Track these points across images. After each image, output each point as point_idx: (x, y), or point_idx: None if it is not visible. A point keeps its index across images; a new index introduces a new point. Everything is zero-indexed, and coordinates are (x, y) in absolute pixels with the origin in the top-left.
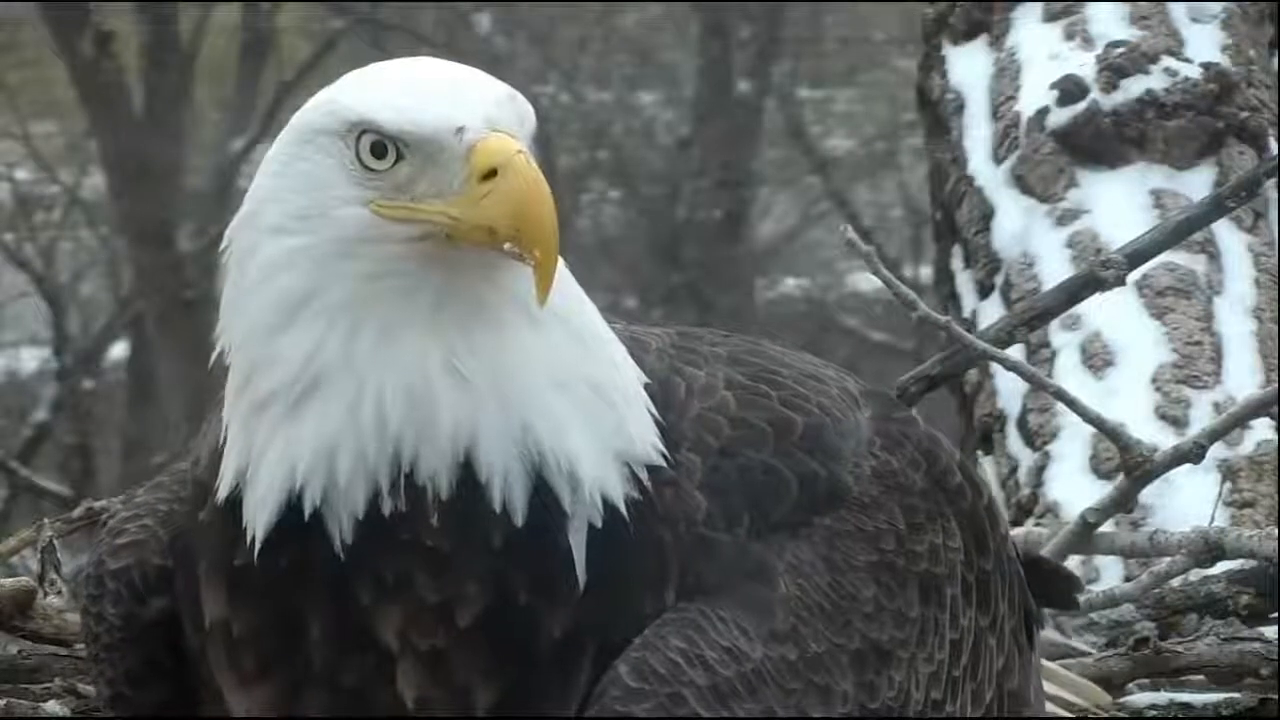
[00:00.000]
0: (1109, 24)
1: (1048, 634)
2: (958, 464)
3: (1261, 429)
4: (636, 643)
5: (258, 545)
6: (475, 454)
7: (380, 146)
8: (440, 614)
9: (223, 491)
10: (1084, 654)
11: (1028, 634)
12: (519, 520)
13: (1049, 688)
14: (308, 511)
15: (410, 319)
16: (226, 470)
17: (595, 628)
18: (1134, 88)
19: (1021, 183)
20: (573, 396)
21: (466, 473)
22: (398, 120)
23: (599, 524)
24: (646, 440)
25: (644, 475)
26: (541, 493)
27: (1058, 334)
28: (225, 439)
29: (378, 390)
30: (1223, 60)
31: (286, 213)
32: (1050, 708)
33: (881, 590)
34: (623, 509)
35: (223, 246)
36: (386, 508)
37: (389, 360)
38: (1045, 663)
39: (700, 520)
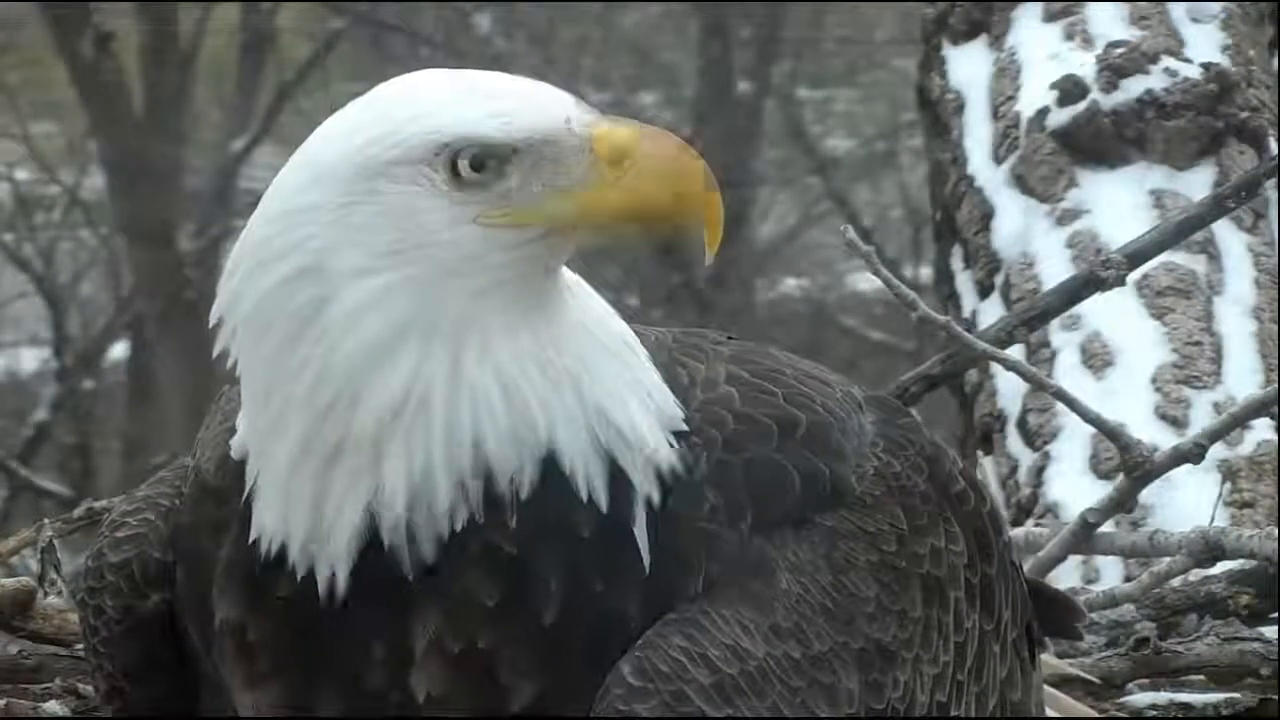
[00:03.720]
0: (1109, 24)
1: (1050, 659)
2: (960, 471)
3: (1261, 429)
4: (639, 642)
5: (333, 590)
6: (558, 446)
7: (479, 160)
8: (497, 615)
9: (269, 541)
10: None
11: (1030, 649)
12: (604, 507)
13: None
14: (388, 543)
15: (509, 323)
16: (270, 516)
17: (652, 614)
18: (1134, 88)
19: (1021, 183)
20: (627, 378)
21: (549, 467)
22: (507, 129)
23: (656, 503)
24: (679, 423)
25: (685, 456)
26: (617, 477)
27: (1058, 334)
28: (258, 481)
29: (480, 400)
30: (1223, 60)
31: (370, 253)
32: None
33: (884, 590)
34: (667, 491)
35: (245, 314)
36: (464, 519)
37: (491, 368)
38: (1048, 688)
39: (705, 514)
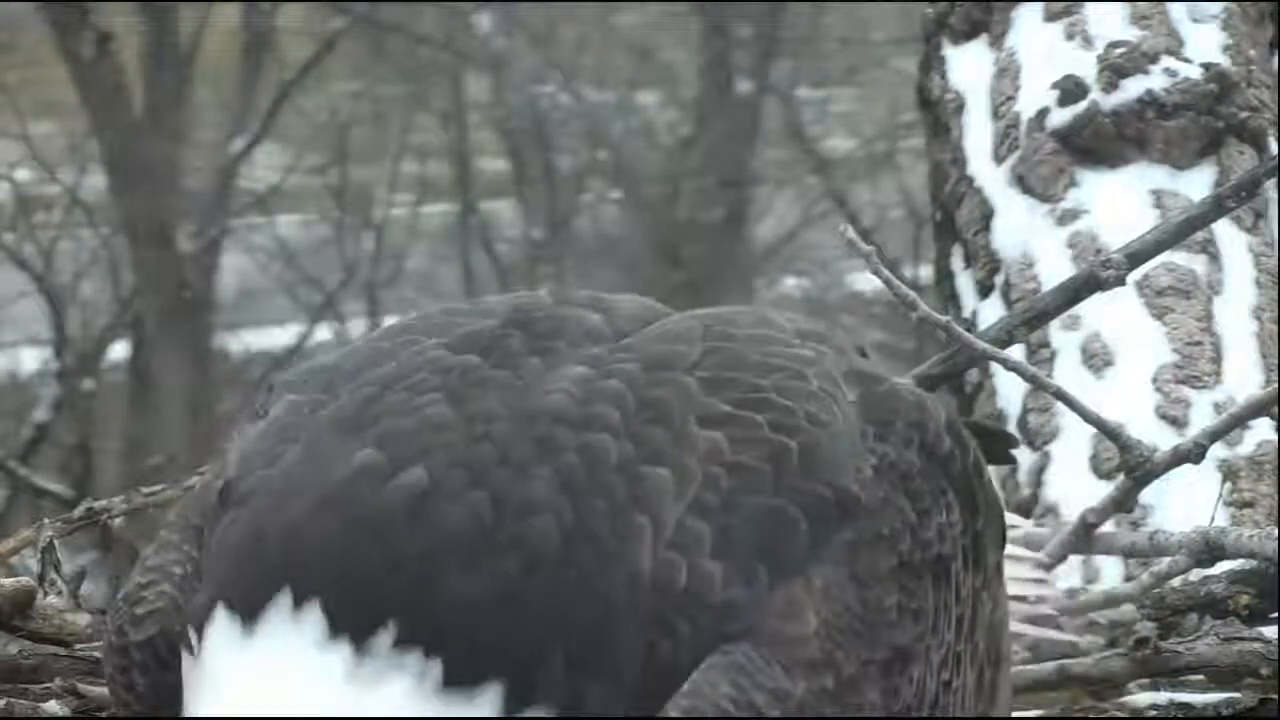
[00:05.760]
0: (1109, 24)
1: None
2: (944, 423)
3: (1261, 429)
4: (685, 689)
5: None
6: None
7: None
8: None
9: None
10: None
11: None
12: None
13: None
14: None
15: None
16: None
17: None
18: (1134, 88)
19: (1022, 183)
20: None
21: None
22: None
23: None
24: None
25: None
26: None
27: (1058, 334)
28: None
29: None
30: (1223, 60)
31: None
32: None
33: (903, 593)
34: None
35: None
36: None
37: None
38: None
39: (718, 590)
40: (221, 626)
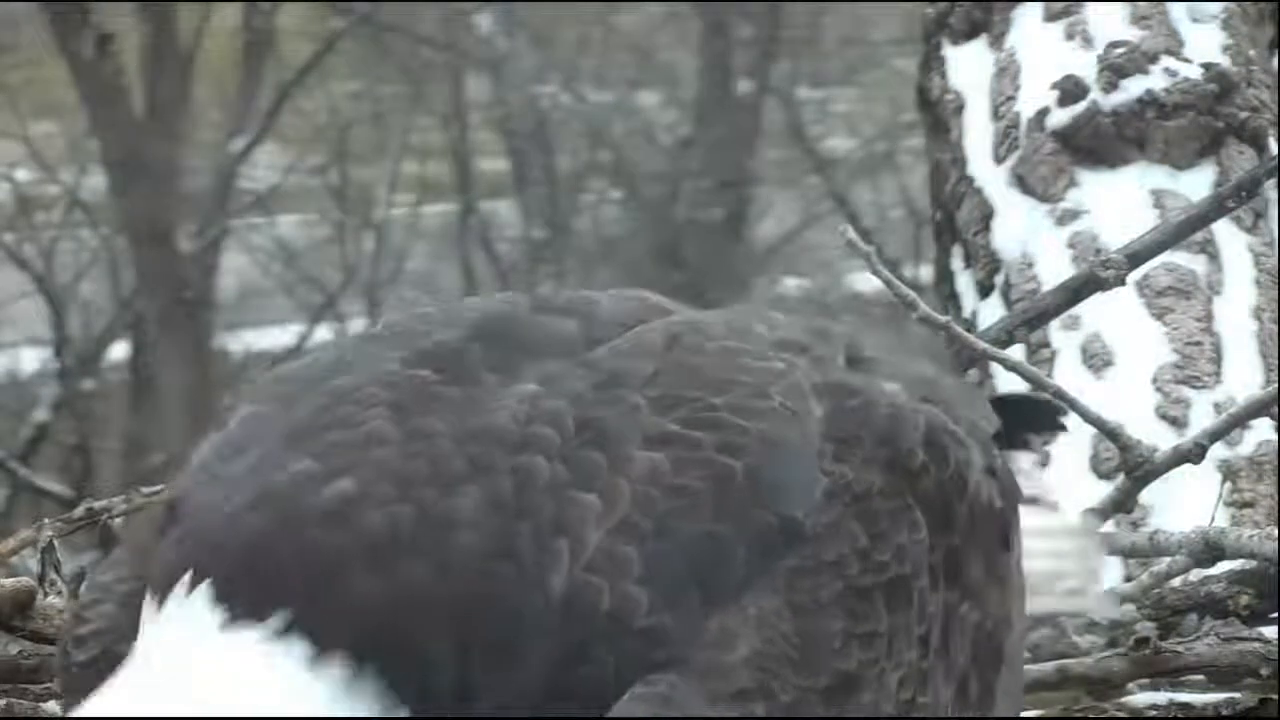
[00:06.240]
0: (1109, 24)
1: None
2: (922, 436)
3: (1261, 429)
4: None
5: None
6: None
7: None
8: None
9: None
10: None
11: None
12: None
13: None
14: None
15: None
16: None
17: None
18: (1134, 88)
19: (1022, 183)
20: None
21: None
22: None
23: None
24: None
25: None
26: None
27: (1058, 334)
28: None
29: None
30: (1223, 60)
31: None
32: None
33: (850, 618)
34: None
35: None
36: None
37: None
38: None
39: (642, 616)
40: (147, 611)
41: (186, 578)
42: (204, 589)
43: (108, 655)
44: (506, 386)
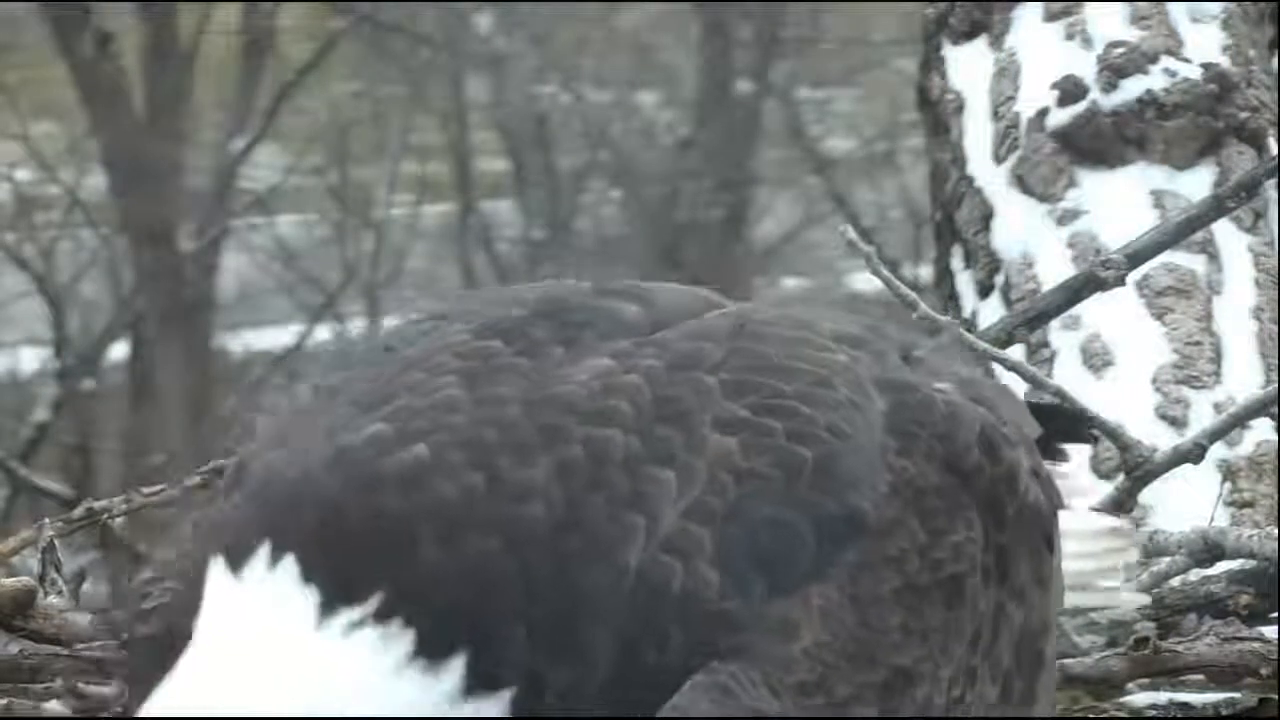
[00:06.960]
0: (1109, 24)
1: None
2: (976, 435)
3: (1261, 429)
4: (666, 708)
5: None
6: None
7: None
8: None
9: None
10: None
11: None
12: None
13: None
14: None
15: None
16: None
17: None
18: (1134, 88)
19: (1021, 183)
20: None
21: None
22: None
23: None
24: None
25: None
26: None
27: (1058, 334)
28: None
29: None
30: (1223, 60)
31: None
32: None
33: (908, 614)
34: None
35: None
36: None
37: None
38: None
39: (715, 599)
40: (216, 574)
41: (265, 549)
42: (289, 565)
43: (173, 630)
44: (575, 360)
